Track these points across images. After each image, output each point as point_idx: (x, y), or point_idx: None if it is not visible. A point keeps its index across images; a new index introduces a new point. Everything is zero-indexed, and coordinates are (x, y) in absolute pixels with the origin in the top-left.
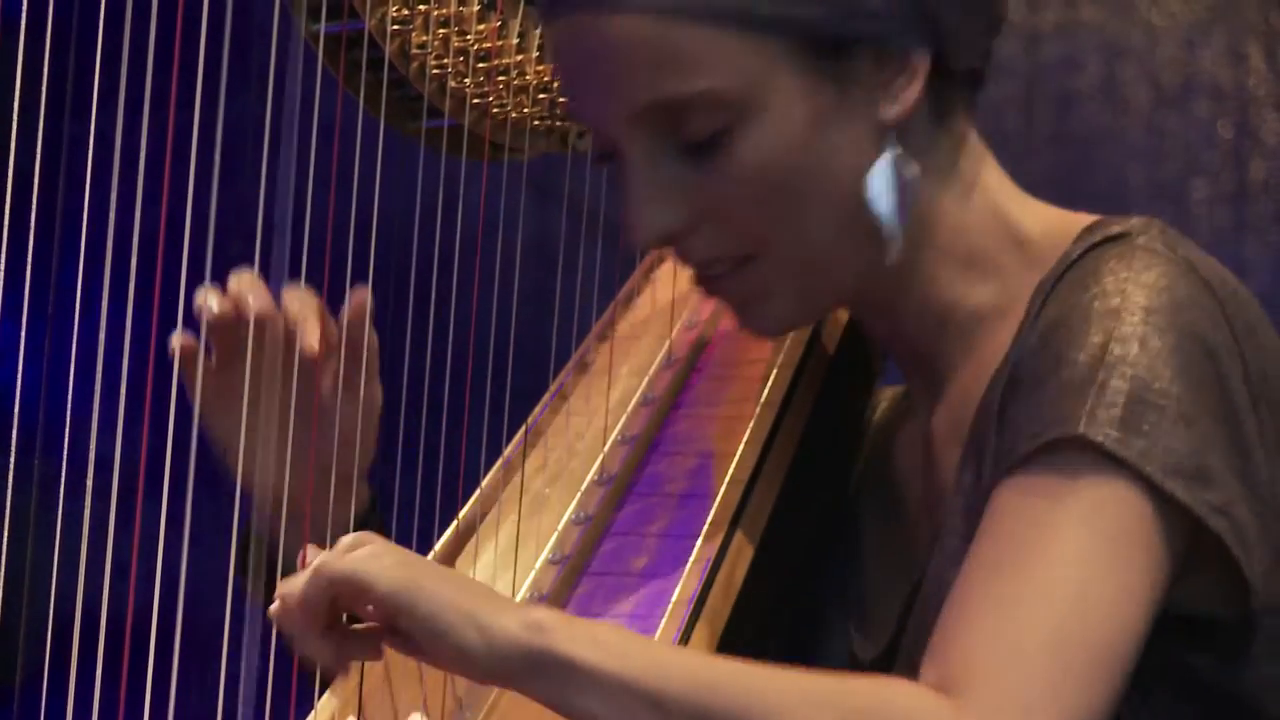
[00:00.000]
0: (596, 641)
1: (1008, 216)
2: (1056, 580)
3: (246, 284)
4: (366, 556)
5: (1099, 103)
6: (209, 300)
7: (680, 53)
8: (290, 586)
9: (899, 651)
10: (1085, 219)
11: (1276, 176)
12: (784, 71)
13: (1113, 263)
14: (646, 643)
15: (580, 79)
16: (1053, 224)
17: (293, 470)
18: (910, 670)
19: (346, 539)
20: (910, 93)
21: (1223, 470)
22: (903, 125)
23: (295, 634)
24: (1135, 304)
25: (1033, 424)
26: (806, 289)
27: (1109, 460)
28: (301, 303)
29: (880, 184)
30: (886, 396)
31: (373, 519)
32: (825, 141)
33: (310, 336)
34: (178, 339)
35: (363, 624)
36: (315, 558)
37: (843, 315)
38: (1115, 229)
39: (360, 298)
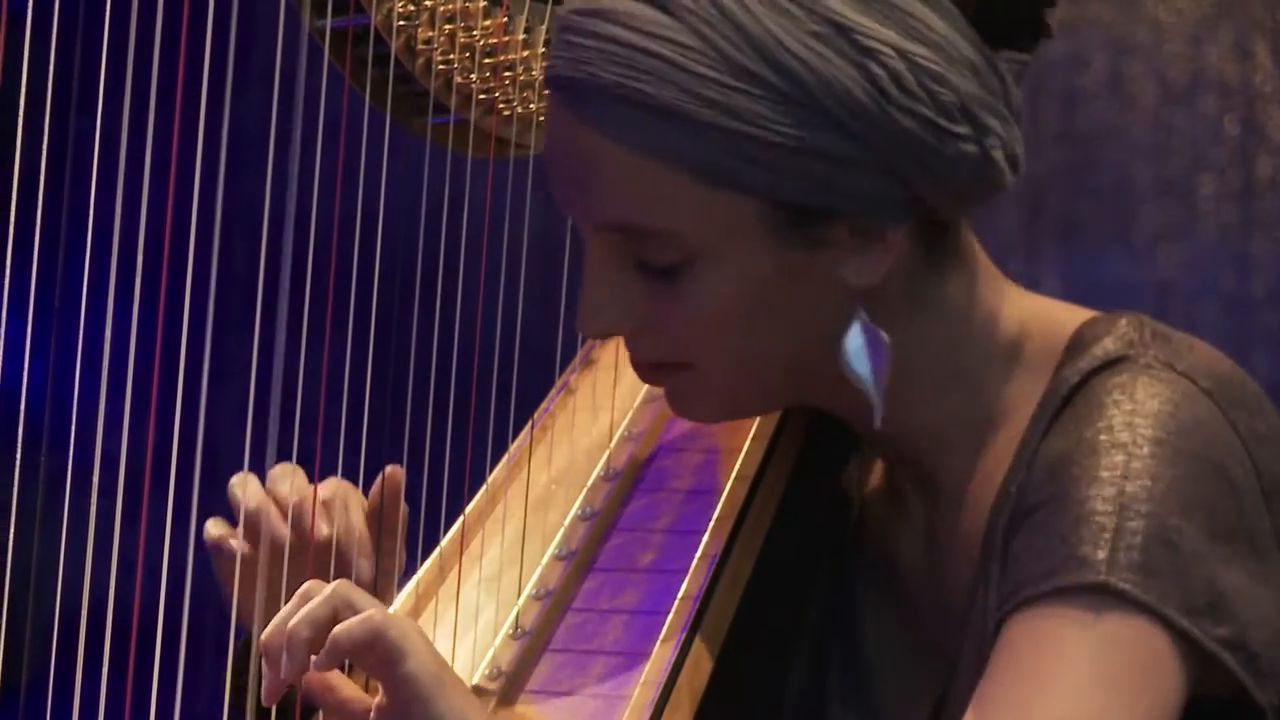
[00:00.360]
0: None
1: (995, 329)
2: (1070, 713)
3: (282, 482)
4: (413, 630)
5: (1105, 99)
6: (246, 494)
7: (649, 188)
8: (321, 607)
9: None
10: (1071, 318)
11: None
12: (753, 230)
13: (1116, 394)
14: None
15: (557, 166)
16: (1040, 325)
17: None
18: None
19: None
20: (884, 264)
21: (1237, 593)
22: (870, 292)
23: (295, 647)
24: (1143, 437)
25: (1044, 562)
26: (734, 402)
27: (1129, 603)
28: (338, 493)
29: (855, 349)
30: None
31: None
32: (784, 297)
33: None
34: (214, 530)
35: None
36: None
37: None
38: (1109, 345)
39: (394, 477)
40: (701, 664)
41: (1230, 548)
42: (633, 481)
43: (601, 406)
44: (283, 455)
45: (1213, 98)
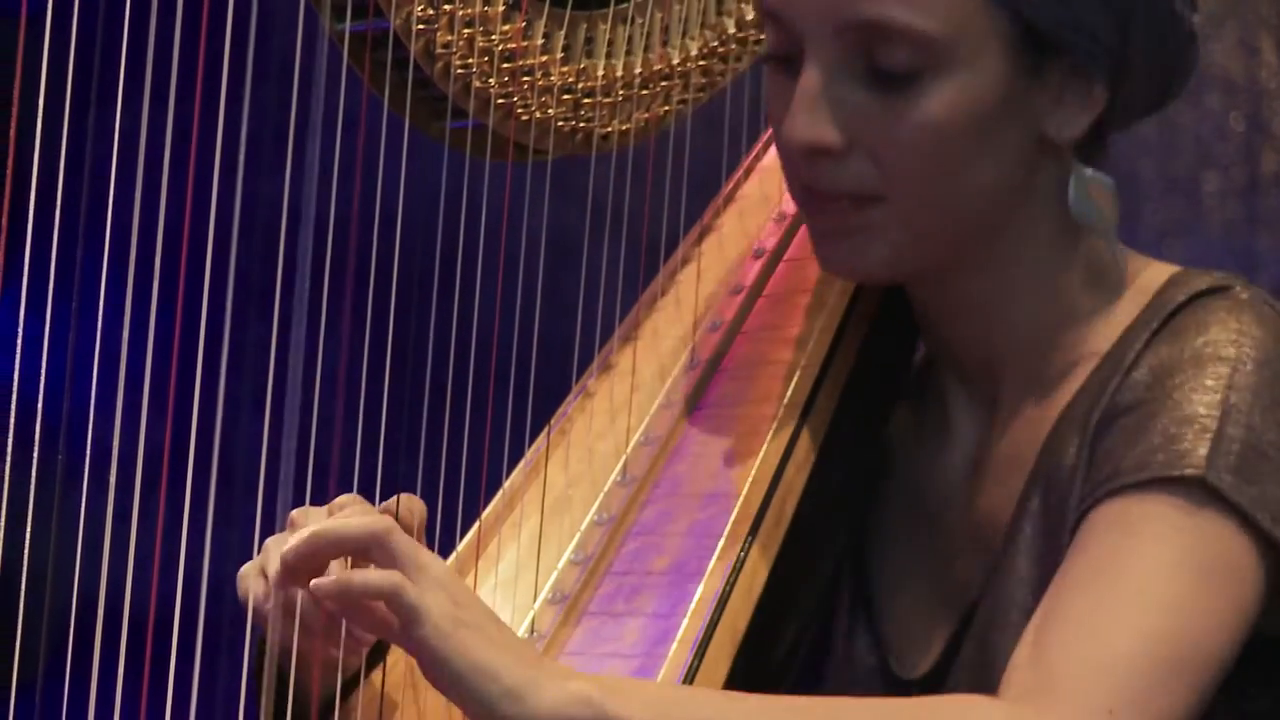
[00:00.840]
0: (648, 703)
1: (1097, 251)
2: (1152, 595)
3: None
4: (431, 589)
5: None
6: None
7: None
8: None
9: (951, 673)
10: (1166, 270)
11: None
12: (995, 44)
13: (1222, 314)
14: (697, 693)
15: None
16: (1139, 267)
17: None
18: (970, 690)
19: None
20: (1083, 120)
21: None
22: (1067, 148)
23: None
24: (1249, 356)
25: (1142, 455)
26: (910, 245)
27: (1223, 503)
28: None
29: (1081, 199)
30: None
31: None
32: (999, 125)
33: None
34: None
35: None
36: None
37: (868, 311)
38: (1213, 279)
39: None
40: (718, 665)
41: None
42: (650, 486)
43: (619, 410)
44: (299, 453)
45: (1218, 95)
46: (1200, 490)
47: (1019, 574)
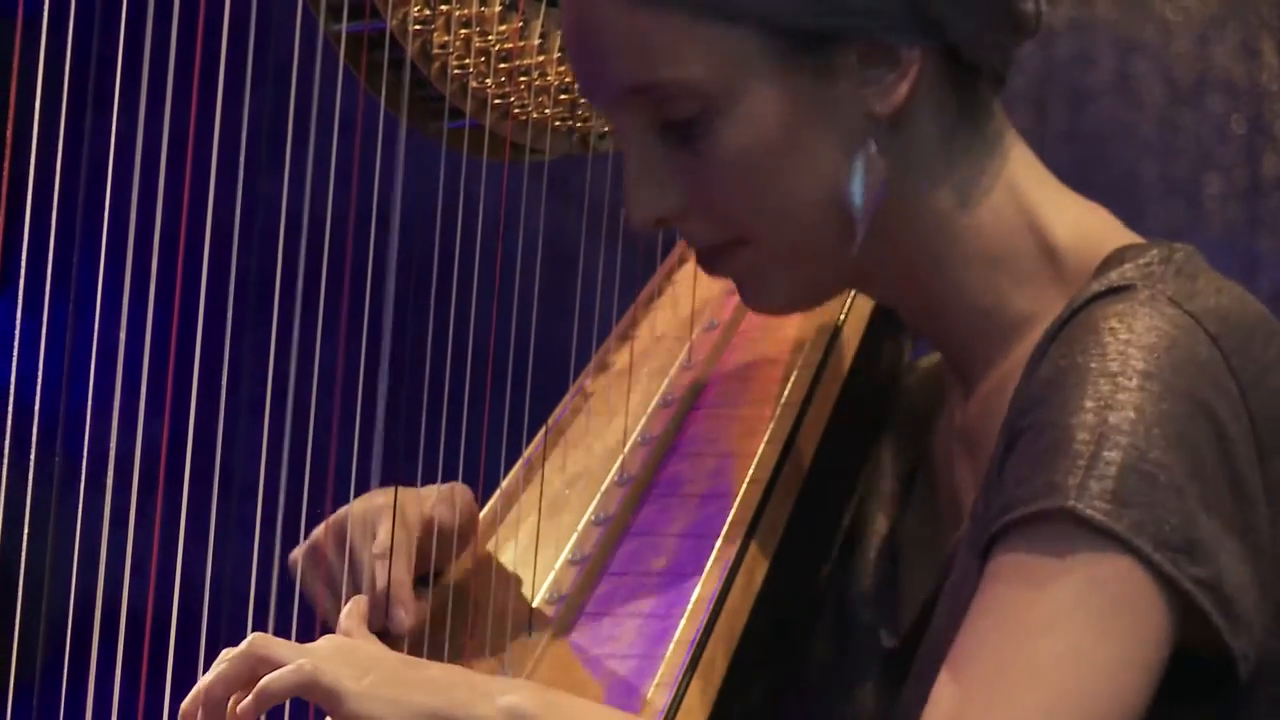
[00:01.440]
0: None
1: (1037, 220)
2: (1048, 654)
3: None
4: (344, 666)
5: (1112, 99)
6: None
7: (652, 41)
8: (237, 664)
9: (917, 652)
10: (1114, 238)
11: None
12: (760, 64)
13: (1114, 321)
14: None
15: (571, 54)
16: (1084, 236)
17: None
18: (924, 674)
19: (310, 645)
20: (901, 88)
21: (1215, 538)
22: (904, 120)
23: (210, 707)
24: (1133, 369)
25: (1022, 488)
26: (797, 273)
27: (1098, 533)
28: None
29: (856, 177)
30: (923, 367)
31: None
32: (807, 133)
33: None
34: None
35: None
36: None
37: (865, 310)
38: (1128, 272)
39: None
40: (715, 665)
41: (1211, 492)
42: (647, 486)
43: (616, 411)
44: (294, 454)
45: (1219, 97)
46: (1073, 524)
47: (962, 565)
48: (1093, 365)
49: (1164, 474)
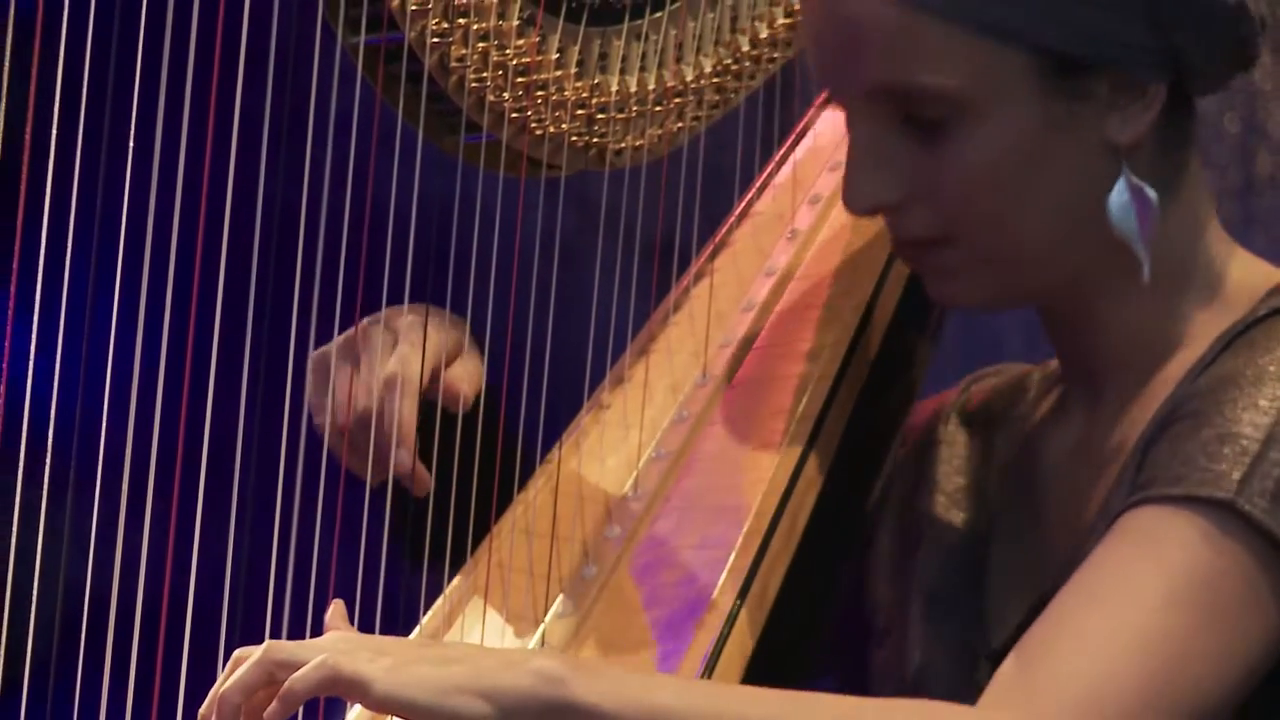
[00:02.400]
0: (615, 683)
1: (1213, 256)
2: (1156, 628)
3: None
4: (364, 653)
5: None
6: None
7: (918, 44)
8: (253, 672)
9: None
10: (1276, 276)
11: None
12: (1018, 81)
13: None
14: (666, 680)
15: (821, 45)
16: (1252, 273)
17: None
18: None
19: (319, 640)
20: (1145, 119)
21: None
22: (1132, 151)
23: (226, 714)
24: None
25: (1180, 467)
26: (997, 279)
27: (1253, 528)
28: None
29: (1121, 204)
30: (1037, 380)
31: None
32: (1049, 152)
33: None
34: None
35: None
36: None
37: (882, 318)
38: None
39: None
40: (729, 680)
41: None
42: (661, 500)
43: (631, 425)
44: (289, 459)
45: (1213, 96)
46: (1229, 515)
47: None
48: (1271, 369)
49: None
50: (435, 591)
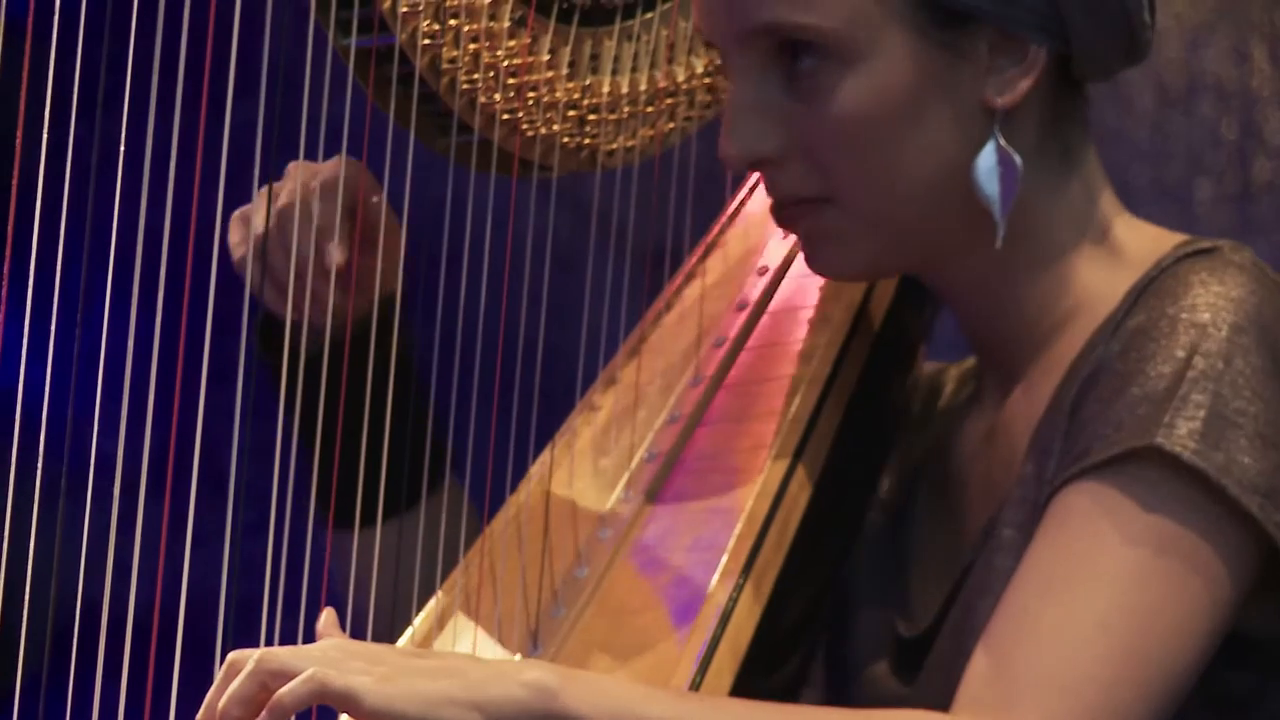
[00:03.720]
0: (607, 695)
1: (1107, 229)
2: (1117, 606)
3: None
4: (355, 662)
5: (1103, 104)
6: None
7: None
8: (248, 683)
9: (939, 634)
10: (1182, 236)
11: None
12: (897, 27)
13: (1203, 273)
14: (660, 692)
15: None
16: (1149, 238)
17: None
18: (949, 653)
19: (312, 647)
20: (1023, 84)
21: None
22: (1010, 118)
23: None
24: (1224, 320)
25: (1107, 428)
26: (874, 242)
27: (1184, 472)
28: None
29: (987, 168)
30: (953, 376)
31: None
32: (925, 107)
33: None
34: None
35: None
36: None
37: (876, 317)
38: (1207, 244)
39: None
40: (721, 679)
41: None
42: (654, 501)
43: (623, 425)
44: (285, 462)
45: (1210, 102)
46: (1161, 461)
47: (1004, 540)
48: (1183, 316)
49: (1249, 423)
50: (427, 593)
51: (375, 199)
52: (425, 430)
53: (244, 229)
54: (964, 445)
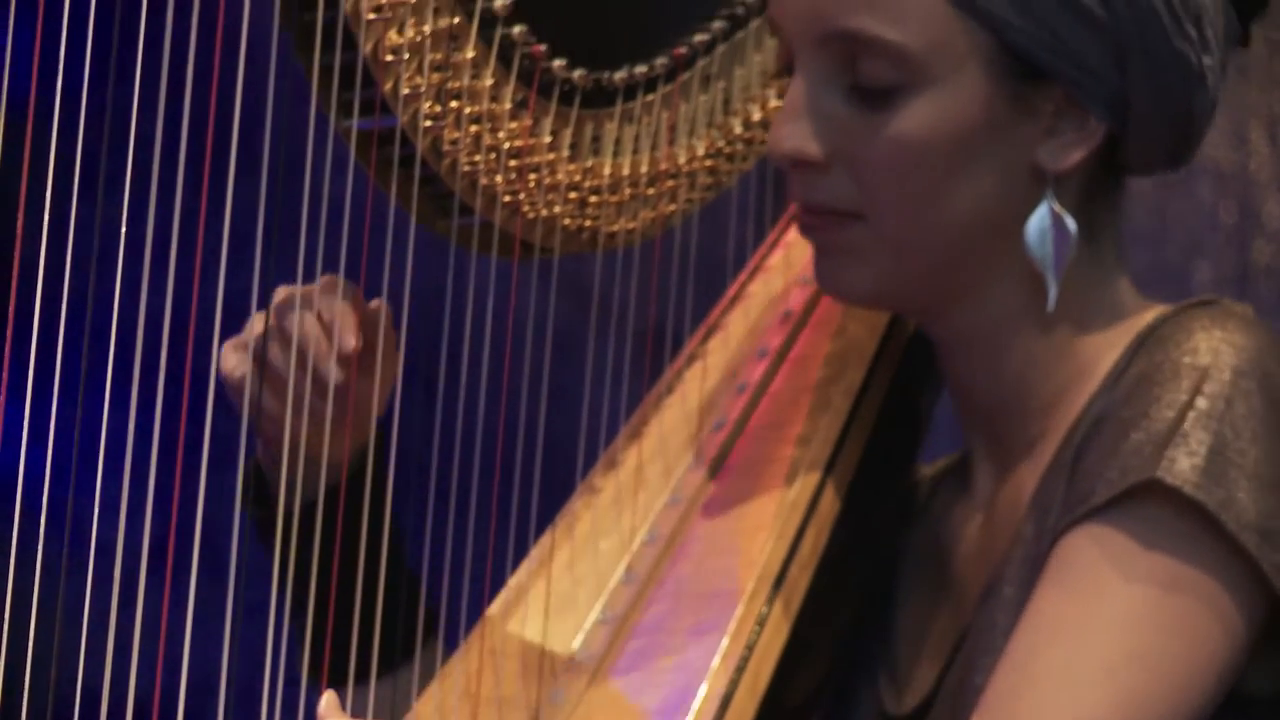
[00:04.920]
0: None
1: (1117, 306)
2: (1123, 649)
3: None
4: None
5: None
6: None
7: None
8: None
9: (937, 699)
10: (1168, 307)
11: (1279, 259)
12: (975, 63)
13: (1205, 320)
14: None
15: None
16: (1141, 308)
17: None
18: (947, 717)
19: None
20: (1078, 153)
21: None
22: (1056, 185)
23: None
24: (1225, 363)
25: (1111, 471)
26: (891, 269)
27: (1186, 508)
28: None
29: (1040, 230)
30: (927, 476)
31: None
32: (980, 150)
33: (347, 336)
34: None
35: None
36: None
37: (875, 402)
38: (1208, 298)
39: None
40: None
41: None
42: (654, 585)
43: (624, 508)
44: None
45: (1209, 185)
46: (1162, 497)
47: (1005, 598)
48: (1185, 360)
49: (1250, 464)
50: (429, 674)
51: (375, 306)
52: (418, 583)
53: (238, 354)
54: (955, 525)
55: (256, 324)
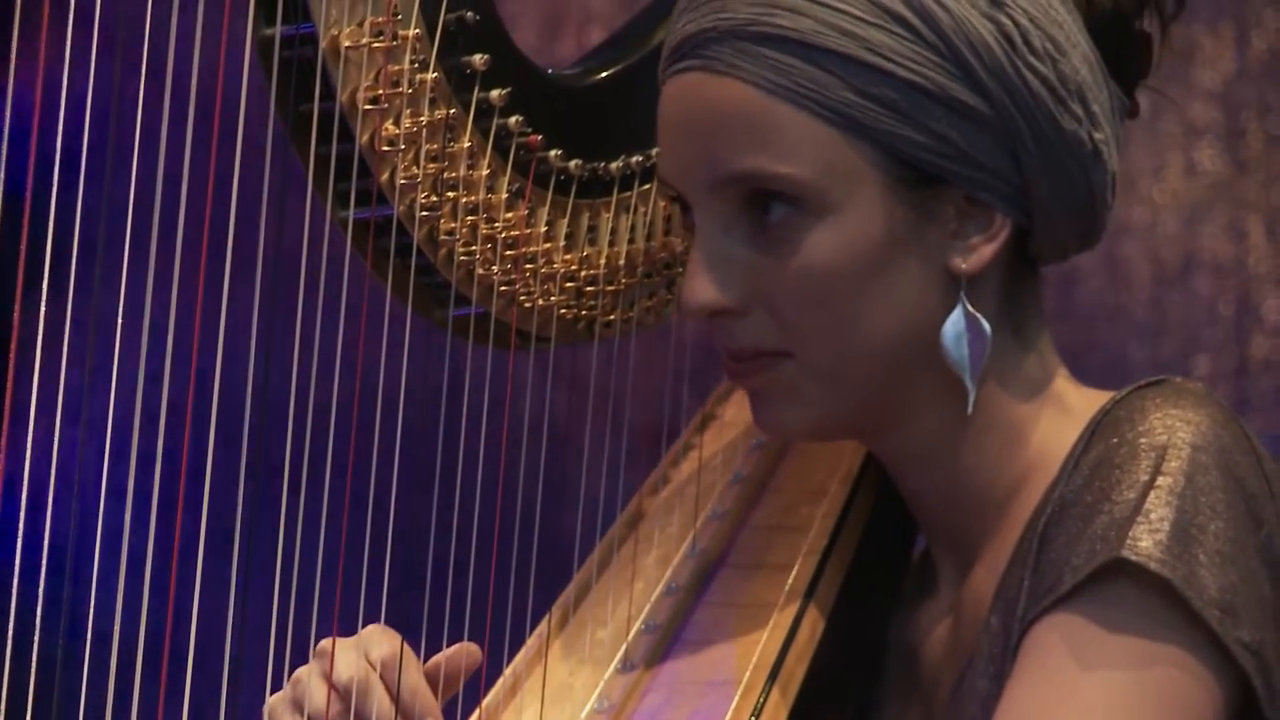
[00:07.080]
0: None
1: (1060, 396)
2: None
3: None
4: None
5: (1101, 280)
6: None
7: (776, 132)
8: None
9: None
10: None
11: (1278, 354)
12: (870, 183)
13: (1158, 399)
14: None
15: (677, 135)
16: (1091, 396)
17: None
18: None
19: None
20: (986, 250)
21: (1256, 613)
22: (972, 285)
23: None
24: (1183, 440)
25: (1077, 558)
26: (828, 401)
27: (1152, 586)
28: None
29: (955, 334)
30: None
31: None
32: (890, 264)
33: None
34: None
35: None
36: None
37: (872, 489)
38: (1157, 379)
39: (472, 657)
40: None
41: (1250, 571)
42: (651, 674)
43: (620, 597)
44: (299, 638)
45: (1207, 279)
46: (1128, 575)
47: (977, 690)
48: (1141, 441)
49: (1211, 540)
50: None
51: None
52: None
53: None
54: (922, 626)
55: (315, 692)
